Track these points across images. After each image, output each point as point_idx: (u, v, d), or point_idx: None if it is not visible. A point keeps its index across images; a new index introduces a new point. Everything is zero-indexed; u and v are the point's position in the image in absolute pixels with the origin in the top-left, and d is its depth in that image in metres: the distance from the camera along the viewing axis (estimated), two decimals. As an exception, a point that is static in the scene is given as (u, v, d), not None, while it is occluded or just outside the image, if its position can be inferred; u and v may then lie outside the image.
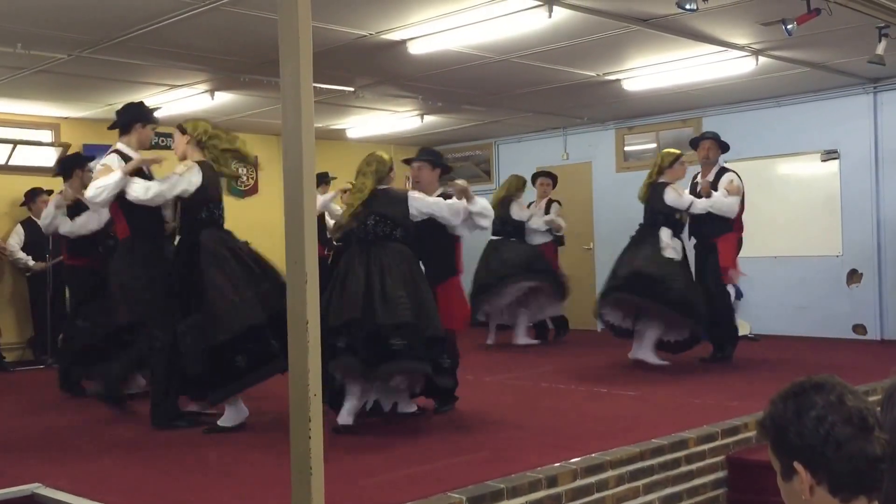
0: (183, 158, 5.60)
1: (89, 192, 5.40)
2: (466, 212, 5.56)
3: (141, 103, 6.01)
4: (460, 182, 5.69)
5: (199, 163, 5.51)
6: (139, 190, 5.38)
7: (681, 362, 7.74)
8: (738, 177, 7.71)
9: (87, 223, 6.81)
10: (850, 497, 1.68)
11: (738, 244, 7.83)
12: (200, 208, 5.47)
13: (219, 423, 5.42)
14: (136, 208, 5.45)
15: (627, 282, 7.44)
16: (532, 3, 5.93)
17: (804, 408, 1.70)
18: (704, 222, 7.68)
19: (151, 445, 5.14)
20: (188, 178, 5.41)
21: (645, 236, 7.62)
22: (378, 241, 5.31)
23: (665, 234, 7.51)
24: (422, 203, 5.47)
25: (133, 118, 5.78)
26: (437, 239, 5.67)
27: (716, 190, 7.64)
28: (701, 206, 7.56)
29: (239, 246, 5.53)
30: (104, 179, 5.33)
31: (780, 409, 1.75)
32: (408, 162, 6.09)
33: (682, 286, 7.37)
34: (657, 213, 7.59)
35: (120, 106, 6.11)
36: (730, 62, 7.84)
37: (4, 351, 9.04)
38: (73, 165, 7.12)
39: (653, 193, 7.61)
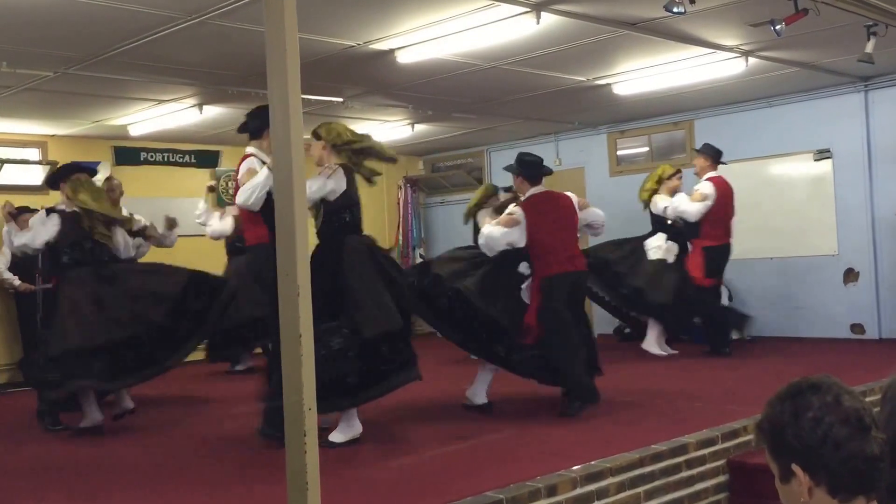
0: (320, 164, 5.47)
1: (241, 198, 5.23)
2: None
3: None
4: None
5: (342, 166, 5.41)
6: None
7: (678, 365, 7.72)
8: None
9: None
10: (848, 497, 1.66)
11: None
12: (344, 211, 5.38)
13: (329, 438, 5.05)
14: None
15: None
16: (519, 10, 5.92)
17: (801, 409, 1.69)
18: None
19: (147, 465, 5.10)
20: (335, 181, 5.32)
21: None
22: None
23: None
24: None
25: (265, 123, 5.40)
26: None
27: None
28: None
29: (377, 252, 5.47)
30: (253, 181, 5.20)
31: (777, 410, 1.73)
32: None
33: None
34: None
35: (110, 122, 6.05)
36: (720, 64, 7.83)
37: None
38: (60, 178, 6.51)
39: None
